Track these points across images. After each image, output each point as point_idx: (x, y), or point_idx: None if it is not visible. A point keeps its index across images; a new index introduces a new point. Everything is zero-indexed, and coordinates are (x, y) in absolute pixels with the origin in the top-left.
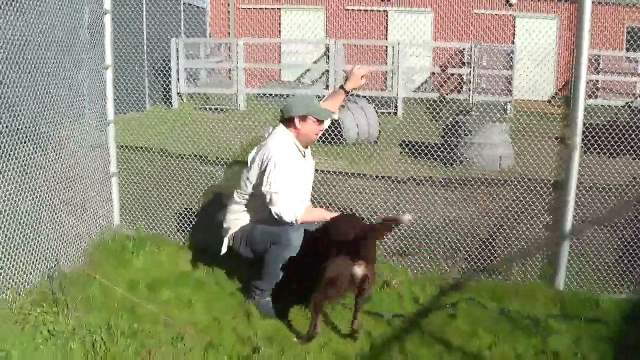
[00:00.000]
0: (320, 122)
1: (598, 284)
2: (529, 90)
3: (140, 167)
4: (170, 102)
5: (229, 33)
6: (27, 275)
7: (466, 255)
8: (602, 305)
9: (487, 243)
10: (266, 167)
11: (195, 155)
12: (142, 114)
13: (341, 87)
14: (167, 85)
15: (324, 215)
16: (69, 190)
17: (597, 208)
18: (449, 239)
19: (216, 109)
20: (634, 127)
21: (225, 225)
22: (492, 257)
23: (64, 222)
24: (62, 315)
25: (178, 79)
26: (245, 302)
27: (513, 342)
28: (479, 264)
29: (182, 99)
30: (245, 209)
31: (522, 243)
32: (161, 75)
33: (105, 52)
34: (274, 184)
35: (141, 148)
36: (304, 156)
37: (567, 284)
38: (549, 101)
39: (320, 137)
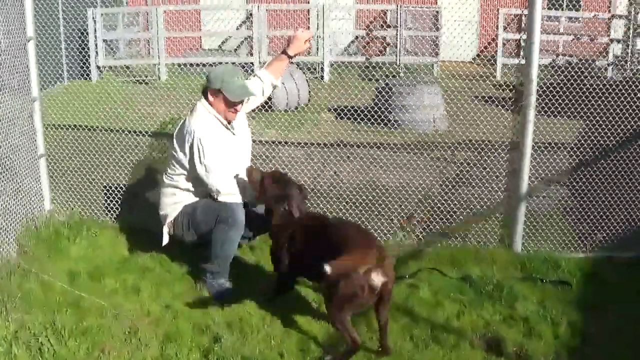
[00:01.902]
0: (239, 102)
1: (555, 245)
2: (452, 51)
3: (69, 146)
4: (89, 76)
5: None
6: None
7: (422, 222)
8: (562, 265)
9: (441, 208)
10: (191, 148)
11: (122, 130)
12: (60, 89)
13: (284, 52)
14: (86, 58)
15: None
16: None
17: (552, 168)
18: (401, 206)
19: (137, 81)
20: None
21: (162, 212)
22: (448, 222)
23: None
24: (0, 318)
25: (97, 51)
26: (196, 287)
27: (479, 310)
28: (434, 230)
29: (101, 72)
30: (180, 190)
31: (478, 207)
32: (79, 48)
33: (25, 23)
34: (205, 165)
35: (65, 126)
36: (229, 128)
37: (525, 245)
38: (471, 62)
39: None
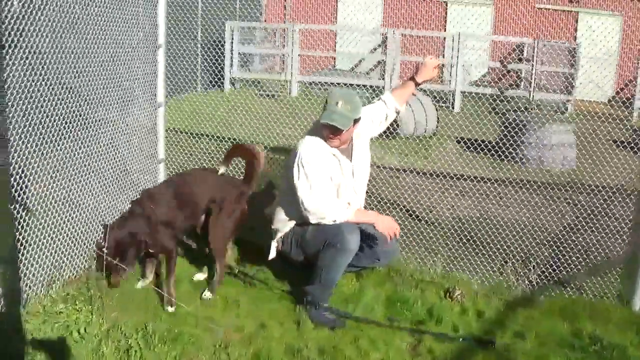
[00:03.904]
0: (331, 129)
1: None
2: (587, 90)
3: (189, 152)
4: (222, 86)
5: (283, 18)
6: (67, 267)
7: (537, 267)
8: None
9: (559, 254)
10: (293, 170)
11: (247, 141)
12: (194, 96)
13: (411, 78)
14: (220, 69)
15: (371, 218)
16: (113, 177)
17: None
18: (517, 247)
19: (267, 95)
20: None
21: (273, 227)
22: (563, 270)
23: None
24: (95, 315)
25: (232, 63)
26: (295, 308)
27: None
28: (549, 276)
29: (233, 84)
30: (293, 208)
31: (598, 256)
32: (214, 58)
33: (157, 30)
34: (300, 189)
35: (190, 133)
36: (334, 154)
37: None
38: (607, 103)
39: None
